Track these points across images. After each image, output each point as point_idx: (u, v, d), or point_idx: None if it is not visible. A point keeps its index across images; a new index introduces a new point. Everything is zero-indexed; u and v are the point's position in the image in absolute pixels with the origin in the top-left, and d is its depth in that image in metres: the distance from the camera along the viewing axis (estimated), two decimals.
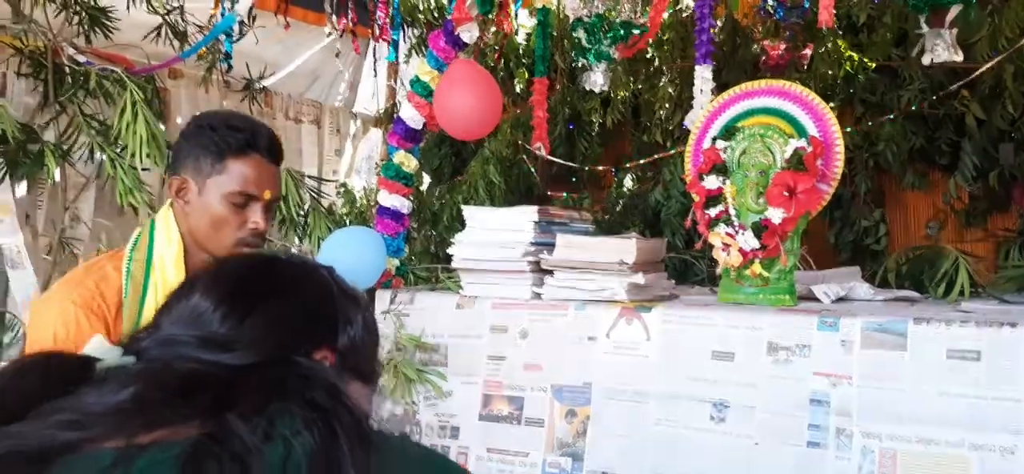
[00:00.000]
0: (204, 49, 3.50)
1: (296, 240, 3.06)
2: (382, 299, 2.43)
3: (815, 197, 2.05)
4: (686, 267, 2.90)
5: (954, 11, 2.04)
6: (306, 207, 3.12)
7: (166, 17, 3.42)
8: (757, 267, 2.06)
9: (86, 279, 1.63)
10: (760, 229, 2.02)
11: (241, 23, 3.62)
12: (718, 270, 2.19)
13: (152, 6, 3.25)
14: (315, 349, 0.95)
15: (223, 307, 0.91)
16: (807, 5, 2.83)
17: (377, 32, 4.04)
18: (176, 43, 3.43)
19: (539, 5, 2.66)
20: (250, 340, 0.89)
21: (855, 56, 3.24)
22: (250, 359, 0.88)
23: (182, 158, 1.62)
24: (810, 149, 2.00)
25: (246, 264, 1.05)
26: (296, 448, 0.76)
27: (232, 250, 1.58)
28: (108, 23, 3.12)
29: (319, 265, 1.04)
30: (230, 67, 3.79)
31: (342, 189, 3.92)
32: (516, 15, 3.94)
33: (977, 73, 2.64)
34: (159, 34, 3.42)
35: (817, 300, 2.10)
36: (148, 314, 1.42)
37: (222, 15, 3.41)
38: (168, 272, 1.61)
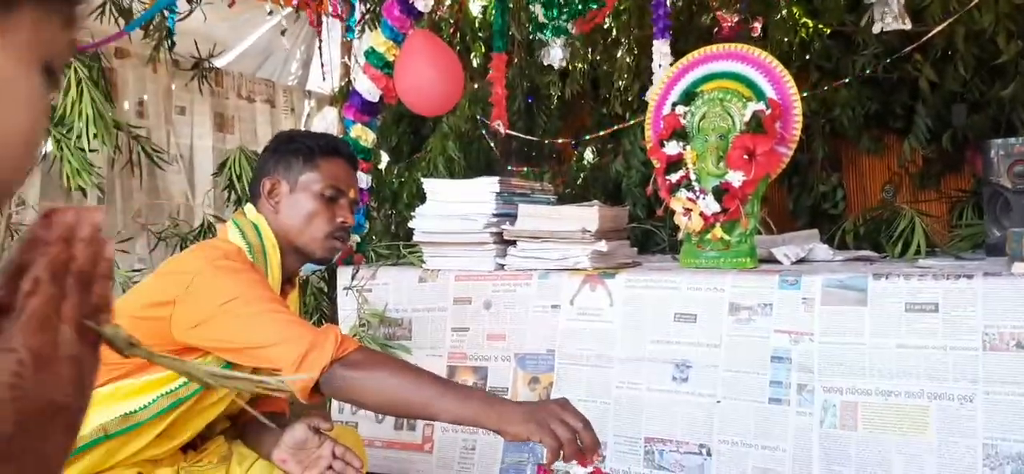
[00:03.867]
0: (150, 26, 3.39)
1: None
2: (343, 276, 2.39)
3: (774, 159, 2.06)
4: (647, 237, 2.91)
5: None
6: None
7: None
8: (718, 231, 2.06)
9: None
10: (721, 193, 2.03)
11: None
12: (680, 236, 2.19)
13: None
14: None
15: None
16: None
17: (330, 8, 3.96)
18: (121, 21, 3.32)
19: None
20: None
21: (810, 22, 3.26)
22: None
23: (271, 165, 1.72)
24: (769, 111, 2.00)
25: None
26: None
27: (322, 243, 1.69)
28: None
29: None
30: (173, 45, 3.67)
31: None
32: None
33: (929, 36, 2.67)
34: (103, 11, 3.31)
35: (778, 262, 2.12)
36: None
37: None
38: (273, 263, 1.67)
